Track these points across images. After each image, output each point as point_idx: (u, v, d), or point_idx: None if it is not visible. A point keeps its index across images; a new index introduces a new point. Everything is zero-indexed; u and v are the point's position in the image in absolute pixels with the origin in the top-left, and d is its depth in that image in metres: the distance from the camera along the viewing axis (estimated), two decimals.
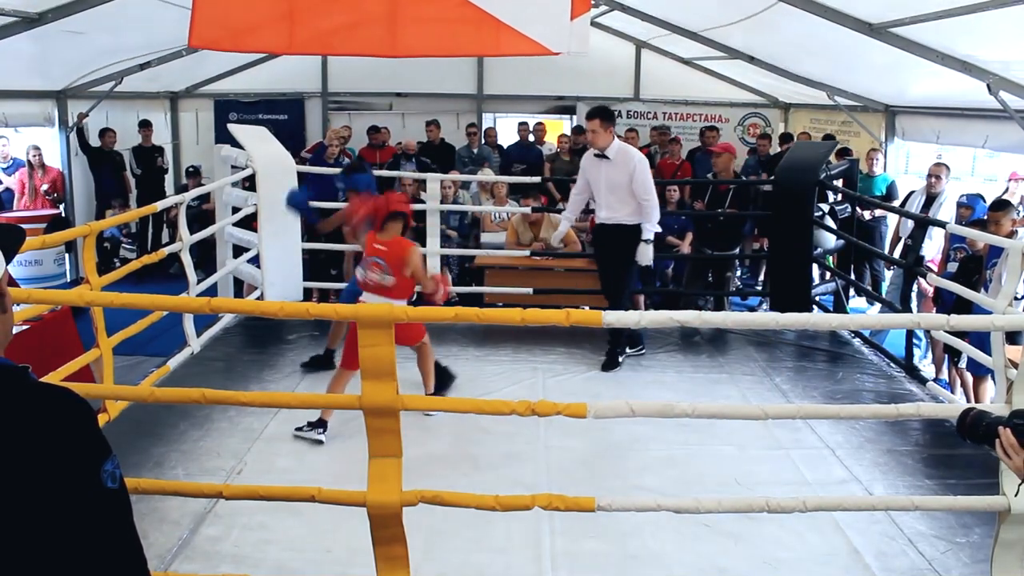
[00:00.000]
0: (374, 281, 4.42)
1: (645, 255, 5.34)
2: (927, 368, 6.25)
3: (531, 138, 10.19)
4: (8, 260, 1.22)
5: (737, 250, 7.76)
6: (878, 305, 7.53)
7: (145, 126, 9.91)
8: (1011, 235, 5.27)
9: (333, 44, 4.89)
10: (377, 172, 8.11)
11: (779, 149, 9.57)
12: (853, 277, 7.74)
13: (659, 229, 5.46)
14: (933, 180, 7.13)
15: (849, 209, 7.08)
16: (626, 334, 5.64)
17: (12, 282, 5.75)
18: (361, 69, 10.63)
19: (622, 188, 5.28)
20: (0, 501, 1.04)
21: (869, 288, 7.68)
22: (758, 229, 7.88)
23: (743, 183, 7.66)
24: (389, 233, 4.46)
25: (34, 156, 9.04)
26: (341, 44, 4.85)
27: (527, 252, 7.01)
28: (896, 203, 7.71)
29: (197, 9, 4.45)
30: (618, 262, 5.48)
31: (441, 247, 6.89)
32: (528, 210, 7.52)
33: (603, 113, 5.29)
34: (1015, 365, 4.01)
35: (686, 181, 8.45)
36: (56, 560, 1.06)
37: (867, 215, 8.14)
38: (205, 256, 7.40)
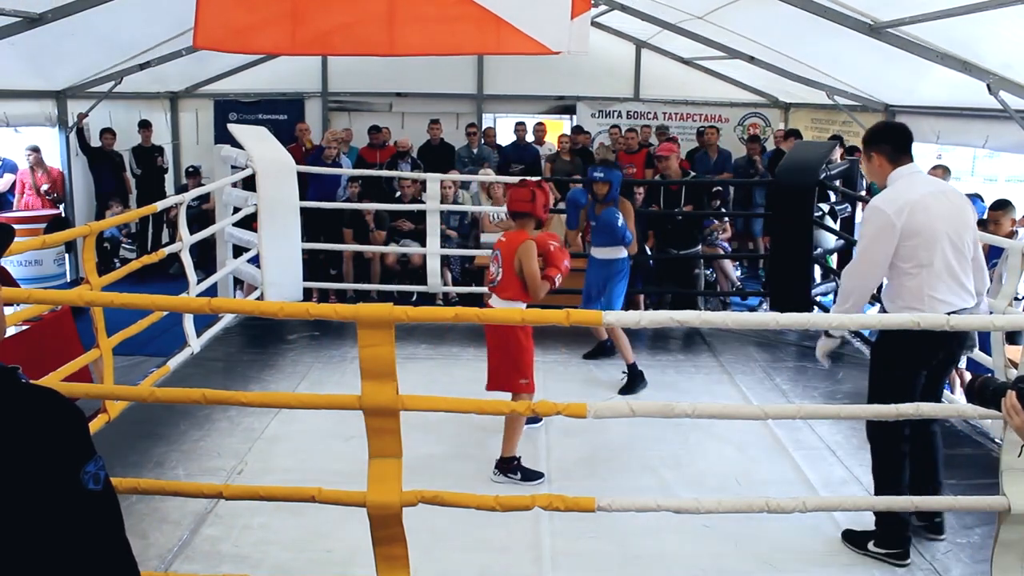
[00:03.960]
0: (491, 276, 4.17)
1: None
2: None
3: (529, 138, 10.17)
4: None
5: (699, 248, 7.39)
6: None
7: (145, 126, 9.91)
8: (1011, 235, 5.27)
9: (334, 44, 4.86)
10: (376, 172, 8.15)
11: (775, 145, 9.58)
12: None
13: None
14: None
15: (849, 209, 7.07)
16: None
17: (11, 281, 5.71)
18: (361, 69, 10.64)
19: None
20: None
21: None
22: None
23: (698, 183, 7.42)
24: (518, 226, 4.18)
25: (34, 156, 9.05)
26: (342, 44, 4.82)
27: None
28: None
29: (201, 10, 4.45)
30: None
31: (441, 247, 6.89)
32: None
33: (867, 137, 3.40)
34: (1015, 365, 4.03)
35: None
36: (35, 561, 1.04)
37: None
38: (205, 256, 7.40)
